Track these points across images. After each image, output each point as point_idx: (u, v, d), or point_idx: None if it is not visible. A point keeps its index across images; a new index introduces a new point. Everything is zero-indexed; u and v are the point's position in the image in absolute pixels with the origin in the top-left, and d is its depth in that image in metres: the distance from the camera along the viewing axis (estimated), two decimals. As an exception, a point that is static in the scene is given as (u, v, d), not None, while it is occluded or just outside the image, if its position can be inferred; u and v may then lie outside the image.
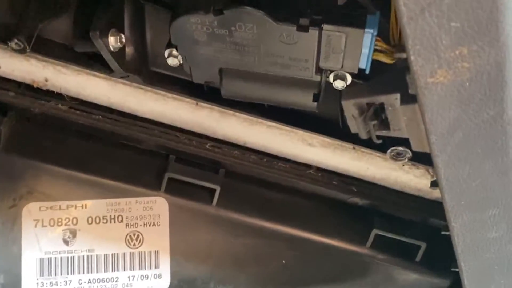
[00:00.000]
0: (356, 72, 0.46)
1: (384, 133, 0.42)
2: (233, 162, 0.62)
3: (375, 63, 0.45)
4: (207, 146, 0.62)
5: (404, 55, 0.34)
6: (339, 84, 0.48)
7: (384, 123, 0.41)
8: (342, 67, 0.46)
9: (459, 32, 0.32)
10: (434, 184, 0.54)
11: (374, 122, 0.40)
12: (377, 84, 0.41)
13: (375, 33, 0.43)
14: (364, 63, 0.45)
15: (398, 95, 0.39)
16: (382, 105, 0.40)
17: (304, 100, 0.49)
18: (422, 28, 0.31)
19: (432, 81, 0.34)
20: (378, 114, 0.41)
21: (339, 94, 0.56)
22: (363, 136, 0.43)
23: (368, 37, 0.43)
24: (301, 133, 0.59)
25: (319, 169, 0.62)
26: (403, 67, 0.37)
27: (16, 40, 0.51)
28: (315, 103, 0.49)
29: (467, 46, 0.33)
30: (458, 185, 0.43)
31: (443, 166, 0.41)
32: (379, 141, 0.43)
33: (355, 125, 0.43)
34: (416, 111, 0.38)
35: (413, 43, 0.32)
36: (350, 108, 0.42)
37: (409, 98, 0.38)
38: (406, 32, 0.32)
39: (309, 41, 0.44)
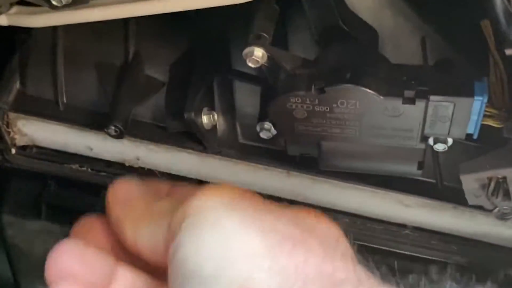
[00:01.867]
0: (463, 138, 0.44)
1: (505, 204, 0.40)
2: (326, 227, 0.61)
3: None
4: (298, 212, 0.61)
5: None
6: (440, 147, 0.46)
7: (506, 195, 0.39)
8: (448, 134, 0.44)
9: None
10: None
11: (498, 199, 0.39)
12: (497, 156, 0.39)
13: (485, 100, 0.42)
14: (472, 128, 0.44)
15: (522, 169, 0.37)
16: (504, 178, 0.38)
17: (409, 169, 0.47)
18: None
19: None
20: (500, 185, 0.39)
21: (436, 155, 0.55)
22: (489, 208, 0.41)
23: (477, 105, 0.42)
24: (396, 195, 0.58)
25: (415, 229, 0.61)
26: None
27: (113, 127, 0.52)
28: (421, 171, 0.47)
29: None
30: None
31: None
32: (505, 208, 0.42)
33: (474, 199, 0.41)
34: (543, 184, 0.37)
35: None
36: (470, 182, 0.40)
37: (537, 172, 0.36)
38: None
39: (414, 112, 0.43)
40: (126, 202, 0.42)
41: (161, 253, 0.37)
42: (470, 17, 0.44)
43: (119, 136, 0.52)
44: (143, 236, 0.39)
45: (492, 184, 0.39)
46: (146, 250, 0.39)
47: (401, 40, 0.52)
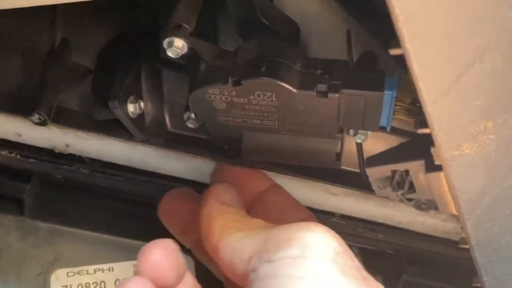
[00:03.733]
0: (377, 131, 0.46)
1: (411, 195, 0.42)
2: (256, 215, 0.62)
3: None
4: (230, 200, 0.62)
5: (427, 131, 0.34)
6: (359, 139, 0.48)
7: (410, 187, 0.41)
8: (363, 126, 0.45)
9: (483, 108, 0.32)
10: (463, 241, 0.53)
11: (401, 191, 0.40)
12: (400, 150, 0.41)
13: (394, 95, 0.43)
14: (385, 122, 0.45)
15: (423, 163, 0.38)
16: (407, 171, 0.40)
17: (327, 159, 0.48)
18: (445, 108, 0.31)
19: (458, 154, 0.34)
20: (404, 178, 0.41)
21: (359, 147, 0.56)
22: (394, 199, 0.43)
23: (388, 99, 0.43)
24: (322, 184, 0.59)
25: (343, 217, 0.62)
26: (426, 135, 0.37)
27: (37, 114, 0.52)
28: (338, 161, 0.48)
29: (492, 120, 0.33)
30: (488, 243, 0.42)
31: (472, 228, 0.40)
32: (411, 203, 0.43)
33: (380, 191, 0.43)
34: (442, 178, 0.38)
35: (437, 121, 0.32)
36: (375, 174, 0.42)
37: (434, 166, 0.38)
38: (429, 112, 0.32)
39: (328, 106, 0.44)
40: (223, 202, 0.44)
41: (238, 261, 0.38)
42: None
43: (43, 123, 0.52)
44: (229, 240, 0.40)
45: (397, 177, 0.40)
46: (225, 255, 0.40)
47: (327, 33, 0.53)
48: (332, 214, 0.62)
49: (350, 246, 0.53)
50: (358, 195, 0.59)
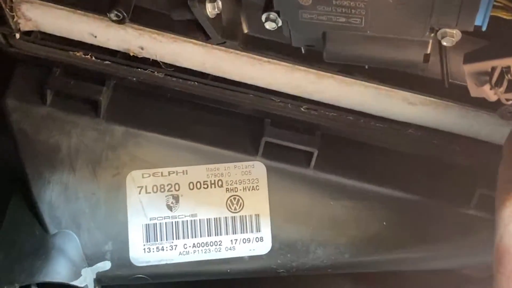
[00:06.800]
0: (471, 30, 0.43)
1: (508, 95, 0.40)
2: (330, 124, 0.61)
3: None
4: (302, 109, 0.61)
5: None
6: (447, 42, 0.45)
7: (510, 85, 0.39)
8: (456, 25, 0.43)
9: None
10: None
11: (501, 89, 0.38)
12: (502, 45, 0.38)
13: (496, -12, 0.40)
14: (481, 20, 0.42)
15: (527, 57, 0.36)
16: (508, 68, 0.38)
17: (414, 61, 0.46)
18: None
19: None
20: (504, 75, 0.39)
21: (443, 51, 0.54)
22: (492, 99, 0.41)
23: (487, -7, 0.40)
24: (401, 92, 0.57)
25: (419, 128, 0.60)
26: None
27: (115, 11, 0.51)
28: (426, 64, 0.46)
29: None
30: None
31: None
32: (509, 103, 0.41)
33: (477, 90, 0.41)
34: (546, 74, 0.36)
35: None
36: (473, 71, 0.40)
37: (540, 60, 0.35)
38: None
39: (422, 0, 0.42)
40: None
41: None
42: None
43: (121, 21, 0.51)
44: None
45: (496, 74, 0.38)
46: None
47: None
48: (408, 125, 0.60)
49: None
50: (437, 105, 0.57)
